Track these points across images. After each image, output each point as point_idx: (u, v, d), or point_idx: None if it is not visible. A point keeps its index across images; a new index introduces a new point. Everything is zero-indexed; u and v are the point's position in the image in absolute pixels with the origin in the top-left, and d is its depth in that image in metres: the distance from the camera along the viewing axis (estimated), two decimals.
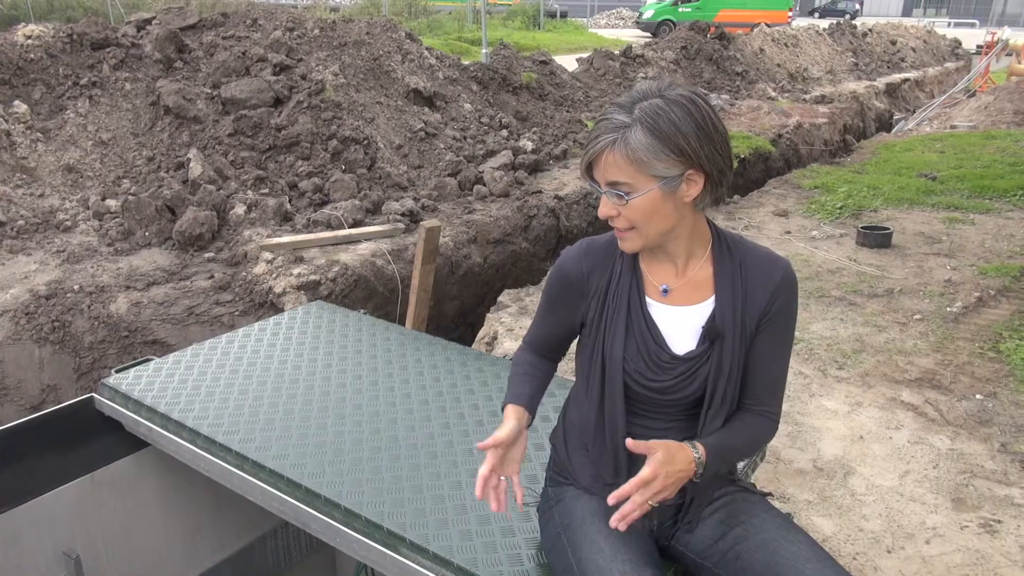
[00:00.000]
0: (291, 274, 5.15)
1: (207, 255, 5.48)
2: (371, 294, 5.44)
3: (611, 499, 1.36)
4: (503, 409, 1.59)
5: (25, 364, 4.46)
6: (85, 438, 2.42)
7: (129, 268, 5.16)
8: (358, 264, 5.41)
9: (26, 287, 4.76)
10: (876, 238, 6.39)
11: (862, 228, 6.56)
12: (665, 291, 1.51)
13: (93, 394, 2.42)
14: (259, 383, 2.43)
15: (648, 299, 1.51)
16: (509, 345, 4.56)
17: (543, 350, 1.71)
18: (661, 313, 1.51)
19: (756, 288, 1.48)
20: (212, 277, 5.16)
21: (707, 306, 1.49)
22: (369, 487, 1.91)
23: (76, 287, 4.81)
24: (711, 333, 1.47)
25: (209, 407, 2.28)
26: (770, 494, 1.70)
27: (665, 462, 1.36)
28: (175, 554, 2.75)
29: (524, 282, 6.31)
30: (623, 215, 1.41)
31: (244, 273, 5.23)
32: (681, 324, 1.50)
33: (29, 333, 4.52)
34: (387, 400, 2.32)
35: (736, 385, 1.51)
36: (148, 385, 2.40)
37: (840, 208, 7.48)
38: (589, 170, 1.43)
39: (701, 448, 1.43)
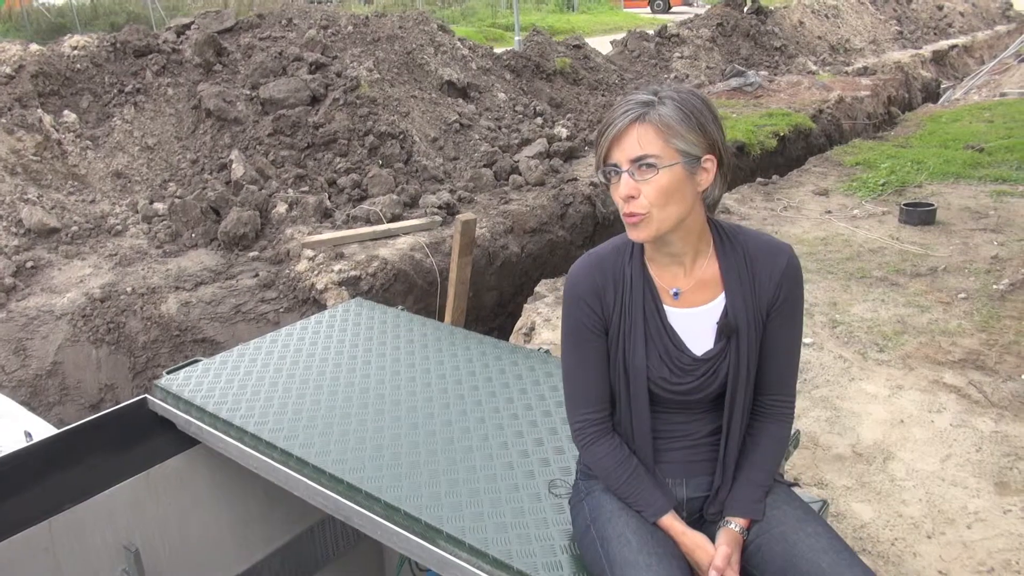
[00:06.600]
0: (332, 270, 5.27)
1: (251, 254, 5.63)
2: (411, 287, 5.53)
3: None
4: (655, 522, 1.56)
5: (83, 365, 4.66)
6: (140, 437, 2.54)
7: (178, 269, 5.33)
8: (397, 258, 5.51)
9: (82, 291, 4.96)
10: (919, 215, 6.26)
11: (904, 205, 6.44)
12: (676, 294, 1.54)
13: (146, 395, 2.55)
14: (301, 381, 2.52)
15: (663, 305, 1.55)
16: (547, 335, 4.61)
17: (605, 403, 1.62)
18: (676, 317, 1.54)
19: (763, 278, 1.51)
20: (257, 276, 5.31)
21: (718, 304, 1.53)
22: (408, 481, 1.99)
23: (129, 289, 5.00)
24: (726, 329, 1.50)
25: (255, 405, 2.38)
26: (796, 484, 1.73)
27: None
28: (227, 546, 2.87)
29: (561, 271, 6.34)
30: (643, 194, 1.42)
31: (287, 271, 5.37)
32: (696, 325, 1.53)
33: (87, 335, 4.72)
34: (424, 396, 2.39)
35: (754, 377, 1.54)
36: (197, 385, 2.52)
37: (882, 185, 7.34)
38: (606, 157, 1.45)
39: (742, 522, 1.54)
